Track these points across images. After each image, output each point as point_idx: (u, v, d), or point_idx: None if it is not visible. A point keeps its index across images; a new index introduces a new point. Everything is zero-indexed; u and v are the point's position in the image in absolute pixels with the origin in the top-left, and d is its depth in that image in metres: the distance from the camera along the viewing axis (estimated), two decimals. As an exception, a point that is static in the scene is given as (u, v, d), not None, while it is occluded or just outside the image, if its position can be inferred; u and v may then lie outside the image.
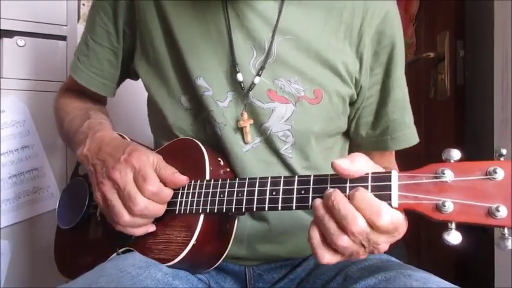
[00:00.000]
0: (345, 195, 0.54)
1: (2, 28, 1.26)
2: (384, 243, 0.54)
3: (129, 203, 0.66)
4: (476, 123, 1.70)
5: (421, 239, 1.84)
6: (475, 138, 1.68)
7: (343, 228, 0.52)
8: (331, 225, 0.53)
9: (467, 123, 1.74)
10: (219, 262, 0.74)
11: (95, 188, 0.71)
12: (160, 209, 0.69)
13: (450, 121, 1.74)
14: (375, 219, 0.51)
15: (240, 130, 0.77)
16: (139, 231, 0.70)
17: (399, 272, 0.63)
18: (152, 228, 0.71)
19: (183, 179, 0.70)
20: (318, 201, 0.55)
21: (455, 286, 0.61)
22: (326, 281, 0.73)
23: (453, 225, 0.49)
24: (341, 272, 0.71)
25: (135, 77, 0.88)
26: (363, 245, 0.53)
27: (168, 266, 0.69)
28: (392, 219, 0.52)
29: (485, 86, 1.60)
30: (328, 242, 0.54)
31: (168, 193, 0.69)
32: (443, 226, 0.50)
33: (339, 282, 0.70)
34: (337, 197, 0.53)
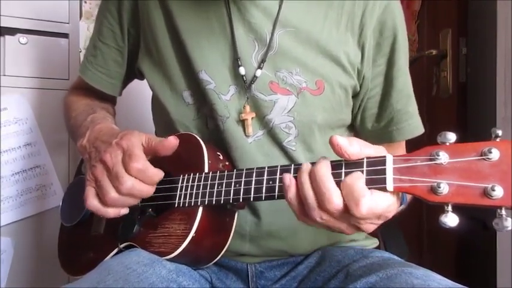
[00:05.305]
0: (339, 180, 0.53)
1: (4, 26, 1.26)
2: (368, 224, 0.54)
3: (116, 182, 0.67)
4: (479, 121, 1.69)
5: (422, 238, 1.84)
6: (477, 136, 1.68)
7: (320, 203, 0.53)
8: (310, 195, 0.54)
9: (470, 120, 1.74)
10: (219, 256, 0.74)
11: (88, 172, 0.72)
12: (148, 189, 0.69)
13: (452, 118, 1.74)
14: (352, 206, 0.51)
15: (242, 123, 0.77)
16: (112, 213, 0.69)
17: (400, 270, 0.63)
18: (124, 211, 0.70)
19: (171, 139, 0.69)
20: (305, 166, 0.56)
21: (457, 284, 0.61)
22: (327, 278, 0.73)
23: (449, 208, 0.48)
24: (342, 270, 0.72)
25: (141, 76, 0.89)
26: (343, 222, 0.54)
27: (169, 260, 0.69)
28: (371, 208, 0.51)
29: (487, 83, 1.59)
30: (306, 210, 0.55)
31: (154, 172, 0.68)
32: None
33: (340, 279, 0.70)
34: (323, 171, 0.54)
